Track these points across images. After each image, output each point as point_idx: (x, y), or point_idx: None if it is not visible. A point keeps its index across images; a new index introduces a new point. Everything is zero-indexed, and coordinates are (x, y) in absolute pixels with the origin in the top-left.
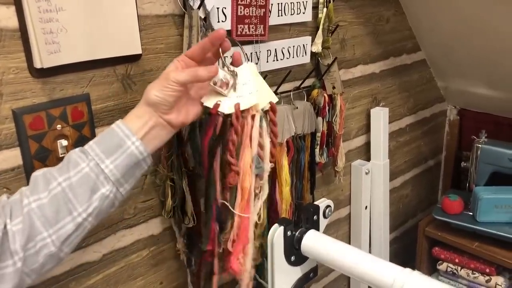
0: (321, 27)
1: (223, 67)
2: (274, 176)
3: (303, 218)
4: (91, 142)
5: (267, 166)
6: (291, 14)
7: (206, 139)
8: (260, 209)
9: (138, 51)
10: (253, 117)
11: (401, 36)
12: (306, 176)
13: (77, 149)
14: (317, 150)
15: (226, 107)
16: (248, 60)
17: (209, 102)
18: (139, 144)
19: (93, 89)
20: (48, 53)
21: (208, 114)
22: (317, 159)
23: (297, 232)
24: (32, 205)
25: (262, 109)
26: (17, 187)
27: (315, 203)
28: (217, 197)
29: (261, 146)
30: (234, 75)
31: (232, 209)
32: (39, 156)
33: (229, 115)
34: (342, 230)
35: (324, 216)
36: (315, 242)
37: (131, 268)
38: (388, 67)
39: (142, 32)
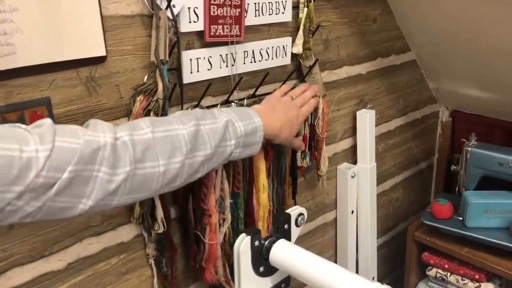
0: (301, 27)
1: None
2: (251, 181)
3: (274, 227)
4: (223, 108)
5: (227, 203)
6: (270, 14)
7: (180, 190)
8: (225, 232)
9: (102, 53)
10: (216, 170)
11: (389, 36)
12: (288, 181)
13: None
14: (298, 154)
15: None
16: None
17: None
18: (262, 124)
19: (55, 93)
20: (1, 55)
21: None
22: (299, 163)
23: (267, 242)
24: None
25: None
26: None
27: (286, 211)
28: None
29: (222, 189)
30: None
31: (203, 238)
32: None
33: None
34: (328, 234)
35: (297, 225)
36: (283, 252)
37: (99, 277)
38: (376, 68)
39: (107, 33)
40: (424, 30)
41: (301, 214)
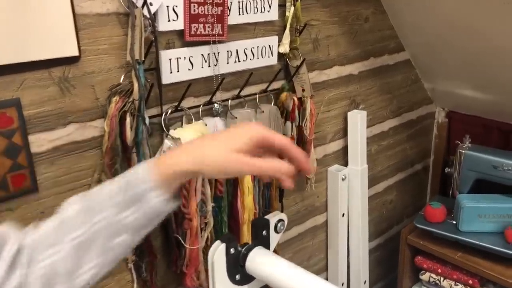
0: (288, 26)
1: (166, 136)
2: (236, 183)
3: (252, 233)
4: (116, 187)
5: (209, 207)
6: (254, 13)
7: None
8: (207, 237)
9: (75, 52)
10: None
11: (382, 35)
12: (275, 184)
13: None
14: None
15: None
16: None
17: None
18: (146, 167)
19: (25, 93)
20: None
21: None
22: None
23: (243, 249)
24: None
25: None
26: None
27: (265, 217)
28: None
29: (203, 193)
30: (178, 141)
31: (184, 243)
32: None
33: None
34: (319, 237)
35: (276, 231)
36: (259, 260)
37: None
38: (368, 68)
39: (81, 31)
40: (419, 29)
41: (281, 220)
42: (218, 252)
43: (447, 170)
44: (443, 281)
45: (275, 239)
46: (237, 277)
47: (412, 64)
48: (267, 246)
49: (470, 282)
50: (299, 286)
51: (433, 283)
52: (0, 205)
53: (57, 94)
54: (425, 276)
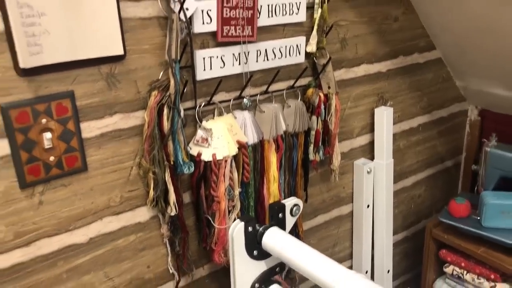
0: (315, 27)
1: (199, 127)
2: (262, 172)
3: (269, 215)
4: None
5: (236, 192)
6: (283, 15)
7: (194, 177)
8: (234, 219)
9: (120, 52)
10: (226, 161)
11: (411, 34)
12: (300, 173)
13: None
14: (311, 148)
15: (206, 155)
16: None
17: (194, 151)
18: None
19: (78, 87)
20: (30, 54)
21: (194, 160)
22: (311, 156)
23: (261, 228)
24: None
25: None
26: (5, 174)
27: (282, 201)
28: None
29: (231, 179)
30: (209, 131)
31: (213, 223)
32: (25, 146)
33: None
34: (344, 227)
35: (292, 214)
36: (274, 238)
37: (118, 252)
38: (397, 66)
39: (126, 33)
40: (448, 29)
41: (296, 204)
42: (237, 230)
43: (473, 167)
44: (466, 274)
45: (290, 221)
46: (255, 252)
47: (443, 62)
48: (283, 227)
49: (492, 276)
50: (310, 262)
51: (456, 276)
52: (56, 181)
53: (104, 87)
54: (448, 269)
